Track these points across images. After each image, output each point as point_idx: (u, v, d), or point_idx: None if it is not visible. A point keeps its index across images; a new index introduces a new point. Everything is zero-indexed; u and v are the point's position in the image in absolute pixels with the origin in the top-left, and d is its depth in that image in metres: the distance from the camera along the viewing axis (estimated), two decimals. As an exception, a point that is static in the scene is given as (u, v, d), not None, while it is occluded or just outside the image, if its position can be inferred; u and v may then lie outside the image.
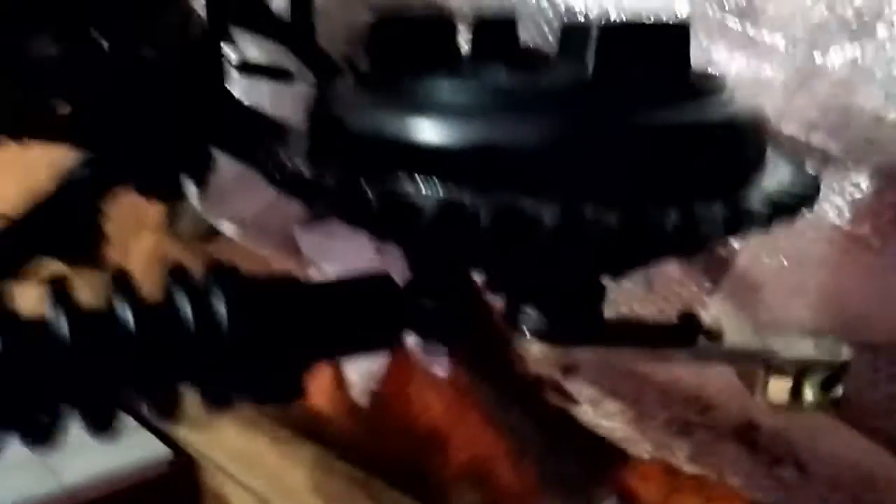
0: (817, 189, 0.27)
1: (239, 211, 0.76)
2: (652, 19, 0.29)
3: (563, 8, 0.50)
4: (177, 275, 0.28)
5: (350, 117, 0.26)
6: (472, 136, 0.24)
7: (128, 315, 0.26)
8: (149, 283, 0.28)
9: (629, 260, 0.28)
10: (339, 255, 0.71)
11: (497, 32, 0.30)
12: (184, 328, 0.27)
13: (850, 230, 0.41)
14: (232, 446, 0.91)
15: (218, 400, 0.28)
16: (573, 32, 0.28)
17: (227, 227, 0.78)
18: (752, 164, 0.27)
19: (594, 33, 0.26)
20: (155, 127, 0.46)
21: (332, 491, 0.78)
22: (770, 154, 0.28)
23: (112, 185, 0.42)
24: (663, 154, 0.24)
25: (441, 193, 0.24)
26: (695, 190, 0.24)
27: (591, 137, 0.24)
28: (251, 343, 0.27)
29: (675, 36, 0.27)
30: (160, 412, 0.27)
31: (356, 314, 0.31)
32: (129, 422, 0.89)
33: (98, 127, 0.45)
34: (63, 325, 0.25)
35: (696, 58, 0.48)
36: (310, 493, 0.79)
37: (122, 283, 0.27)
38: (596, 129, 0.24)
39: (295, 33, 0.62)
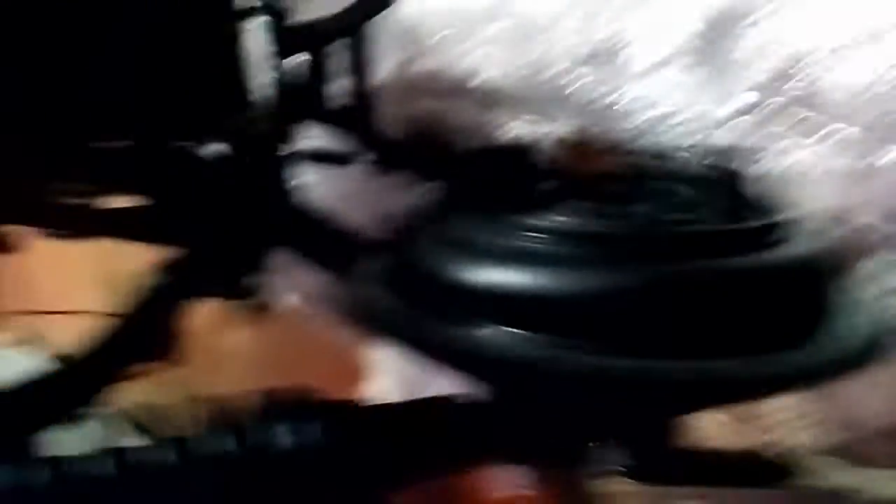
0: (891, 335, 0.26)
1: (304, 284, 0.78)
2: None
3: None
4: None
5: (434, 265, 0.27)
6: (559, 286, 0.25)
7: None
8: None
9: (705, 404, 0.28)
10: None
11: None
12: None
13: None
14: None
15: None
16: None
17: (292, 300, 0.80)
18: (823, 311, 0.26)
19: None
20: (230, 228, 0.48)
21: None
22: (843, 293, 0.28)
23: (195, 292, 0.44)
24: (731, 310, 0.24)
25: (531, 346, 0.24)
26: (764, 342, 0.24)
27: (663, 295, 0.24)
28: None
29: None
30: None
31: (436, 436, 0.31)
32: None
33: (181, 226, 0.47)
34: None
35: (762, 145, 0.48)
36: None
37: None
38: (666, 286, 0.24)
39: (354, 118, 0.63)
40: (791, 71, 0.48)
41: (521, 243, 0.26)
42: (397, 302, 0.28)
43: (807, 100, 0.46)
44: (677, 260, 0.24)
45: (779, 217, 0.27)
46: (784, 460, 0.30)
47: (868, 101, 0.44)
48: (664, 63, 0.53)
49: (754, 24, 0.49)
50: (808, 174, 0.45)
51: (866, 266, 0.42)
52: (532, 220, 0.26)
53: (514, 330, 0.25)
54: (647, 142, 0.52)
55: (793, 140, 0.46)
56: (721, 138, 0.49)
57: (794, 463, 0.30)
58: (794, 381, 0.23)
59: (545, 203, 0.27)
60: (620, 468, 0.28)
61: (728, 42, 0.50)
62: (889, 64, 0.45)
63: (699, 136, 0.50)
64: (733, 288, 0.24)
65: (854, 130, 0.44)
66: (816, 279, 0.27)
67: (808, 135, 0.45)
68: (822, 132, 0.45)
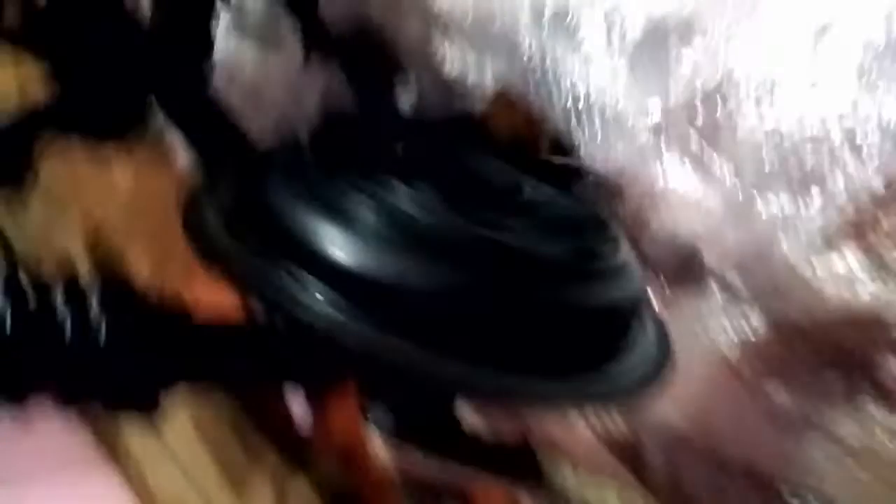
0: (672, 362, 0.31)
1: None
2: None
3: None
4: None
5: (278, 208, 0.28)
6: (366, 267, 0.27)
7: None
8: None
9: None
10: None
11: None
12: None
13: (734, 363, 0.46)
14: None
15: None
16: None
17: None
18: (622, 343, 0.30)
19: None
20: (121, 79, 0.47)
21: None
22: (642, 325, 0.32)
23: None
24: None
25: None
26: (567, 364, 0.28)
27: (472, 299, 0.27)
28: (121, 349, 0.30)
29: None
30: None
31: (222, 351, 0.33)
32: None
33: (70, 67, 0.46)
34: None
35: (655, 165, 0.51)
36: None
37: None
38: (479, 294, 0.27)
39: (304, 5, 0.63)
40: (700, 102, 0.50)
41: (353, 211, 0.27)
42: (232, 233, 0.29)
43: (708, 131, 0.49)
44: (487, 272, 0.27)
45: (609, 247, 0.30)
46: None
47: (760, 148, 0.47)
48: (609, 55, 0.55)
49: (687, 44, 0.51)
50: (686, 203, 0.49)
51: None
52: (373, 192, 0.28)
53: (326, 289, 0.26)
54: (570, 122, 0.54)
55: (683, 166, 0.49)
56: (633, 141, 0.52)
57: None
58: (585, 401, 0.27)
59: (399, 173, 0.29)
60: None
61: (663, 54, 0.52)
62: (795, 117, 0.47)
63: (618, 134, 0.53)
64: (541, 311, 0.27)
65: (736, 176, 0.47)
66: (621, 316, 0.31)
67: (697, 165, 0.48)
68: (711, 167, 0.49)
